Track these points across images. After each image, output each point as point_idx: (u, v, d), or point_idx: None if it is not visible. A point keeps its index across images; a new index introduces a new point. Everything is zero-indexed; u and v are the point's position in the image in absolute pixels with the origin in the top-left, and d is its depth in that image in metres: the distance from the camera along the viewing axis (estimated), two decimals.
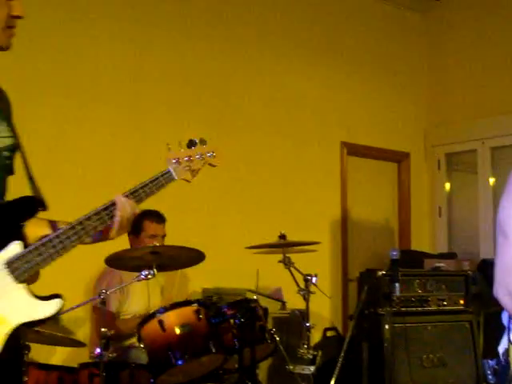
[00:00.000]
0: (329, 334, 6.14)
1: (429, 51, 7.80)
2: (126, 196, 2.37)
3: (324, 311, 6.45)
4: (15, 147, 2.23)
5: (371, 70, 7.25)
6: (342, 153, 6.96)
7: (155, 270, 3.84)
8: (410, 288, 5.48)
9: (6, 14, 2.10)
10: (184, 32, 5.88)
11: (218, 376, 4.03)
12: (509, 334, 2.27)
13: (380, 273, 4.96)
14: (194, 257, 4.14)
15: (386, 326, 4.83)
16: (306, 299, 4.74)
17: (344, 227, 6.92)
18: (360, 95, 7.16)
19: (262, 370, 5.48)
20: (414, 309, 5.46)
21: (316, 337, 5.97)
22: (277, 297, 5.46)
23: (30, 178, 2.26)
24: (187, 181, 2.62)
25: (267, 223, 5.82)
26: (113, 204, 2.32)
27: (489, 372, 2.30)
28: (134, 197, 2.39)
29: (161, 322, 3.75)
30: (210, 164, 2.69)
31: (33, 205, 2.22)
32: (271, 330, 4.23)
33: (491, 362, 2.30)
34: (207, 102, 5.96)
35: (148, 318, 3.86)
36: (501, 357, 2.27)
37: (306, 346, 4.63)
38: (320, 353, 4.83)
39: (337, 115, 6.91)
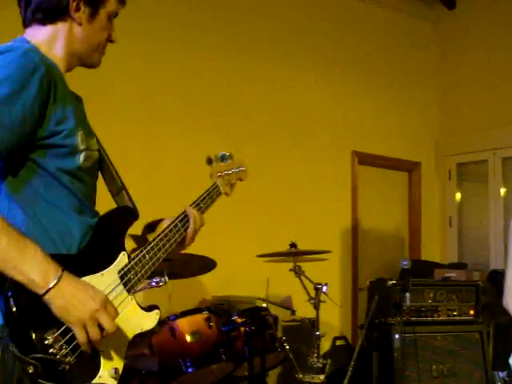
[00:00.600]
0: (338, 342, 6.15)
1: (440, 60, 7.81)
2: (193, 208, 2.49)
3: (334, 320, 6.46)
4: (101, 160, 2.27)
5: (382, 80, 7.27)
6: (353, 162, 6.97)
7: (166, 277, 3.85)
8: (420, 298, 5.48)
9: (106, 38, 2.22)
10: (195, 43, 5.90)
11: None
12: None
13: (390, 282, 4.95)
14: (205, 264, 4.16)
15: (396, 336, 4.84)
16: (316, 308, 4.75)
17: (354, 236, 6.92)
18: (371, 105, 7.17)
19: (272, 378, 5.49)
20: (424, 319, 5.46)
21: (326, 346, 5.98)
22: (286, 305, 5.46)
23: (124, 188, 2.31)
24: (227, 195, 2.78)
25: (278, 232, 5.83)
26: (186, 216, 2.44)
27: (499, 383, 2.31)
28: (199, 209, 2.53)
29: (172, 330, 3.76)
30: (239, 178, 2.86)
31: (130, 214, 2.26)
32: (281, 338, 4.23)
33: (502, 374, 2.31)
34: (219, 113, 5.98)
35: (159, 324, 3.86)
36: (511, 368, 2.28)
37: (315, 355, 4.63)
38: (330, 361, 4.83)
39: (348, 125, 6.93)
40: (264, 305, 4.36)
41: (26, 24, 2.16)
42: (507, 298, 2.19)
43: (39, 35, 2.12)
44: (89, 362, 1.88)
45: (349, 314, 6.78)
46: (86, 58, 2.21)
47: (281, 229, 5.97)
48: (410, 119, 7.51)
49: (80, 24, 2.14)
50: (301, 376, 4.54)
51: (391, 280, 5.02)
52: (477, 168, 7.65)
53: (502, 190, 7.26)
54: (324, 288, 4.72)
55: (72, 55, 2.17)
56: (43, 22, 2.13)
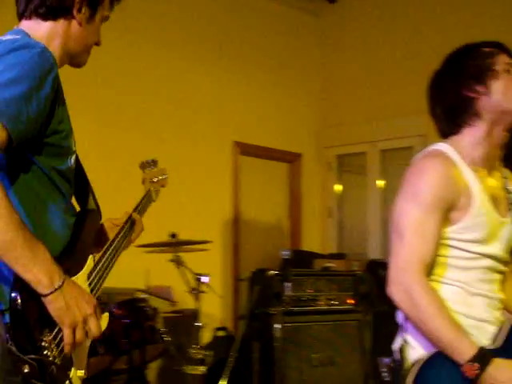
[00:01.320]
0: (219, 333, 6.11)
1: (322, 53, 7.89)
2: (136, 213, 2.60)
3: (215, 311, 6.41)
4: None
5: (265, 71, 7.27)
6: (235, 152, 6.94)
7: None
8: (300, 288, 5.50)
9: (96, 40, 2.27)
10: None
11: (106, 377, 3.93)
12: (404, 333, 2.29)
13: (271, 272, 4.95)
14: None
15: (277, 326, 4.83)
16: (197, 299, 4.70)
17: (236, 227, 6.90)
18: (253, 95, 7.16)
19: (153, 371, 5.39)
20: (304, 308, 5.47)
21: (206, 337, 5.93)
22: (167, 296, 5.39)
23: (91, 190, 2.34)
24: (154, 201, 2.92)
25: (158, 222, 5.68)
26: (132, 221, 2.57)
27: (383, 369, 2.31)
28: (138, 213, 2.68)
29: None
30: (162, 185, 2.99)
31: (99, 216, 2.34)
32: (161, 330, 4.16)
33: (386, 360, 2.32)
34: (98, 99, 5.81)
35: None
36: (395, 355, 2.29)
37: (196, 346, 4.58)
38: (211, 353, 4.79)
39: (230, 115, 6.89)
40: (143, 296, 4.27)
41: (24, 16, 2.16)
42: (391, 287, 2.19)
43: (39, 30, 2.13)
44: (67, 364, 1.92)
45: (230, 305, 6.75)
46: (77, 58, 2.24)
47: (161, 219, 5.83)
48: (291, 111, 7.55)
49: (80, 24, 2.17)
50: (182, 368, 4.48)
51: (272, 270, 5.02)
52: (356, 160, 7.78)
53: (380, 182, 7.41)
54: (205, 278, 4.67)
55: (66, 54, 2.19)
56: (45, 17, 2.14)
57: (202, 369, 4.53)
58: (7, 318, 1.81)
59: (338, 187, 7.82)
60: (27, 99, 1.88)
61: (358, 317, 5.72)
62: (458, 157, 2.30)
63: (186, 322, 5.01)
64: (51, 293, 1.82)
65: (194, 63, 6.60)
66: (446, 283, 2.27)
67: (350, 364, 5.57)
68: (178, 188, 6.30)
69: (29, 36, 2.08)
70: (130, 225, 2.55)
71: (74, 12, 2.15)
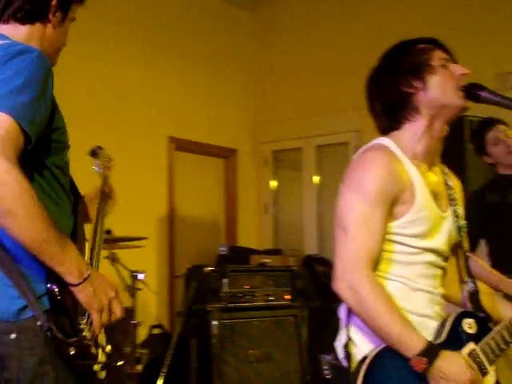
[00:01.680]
0: (155, 331, 6.04)
1: (257, 48, 7.87)
2: None
3: (150, 308, 6.34)
4: None
5: (200, 65, 7.21)
6: (170, 148, 6.87)
7: None
8: (237, 284, 5.48)
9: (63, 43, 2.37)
10: None
11: None
12: (347, 330, 2.27)
13: (208, 269, 4.92)
14: None
15: (214, 322, 4.81)
16: (133, 296, 4.63)
17: (171, 223, 6.83)
18: (188, 90, 7.10)
19: None
20: (241, 304, 5.45)
21: (142, 335, 5.86)
22: None
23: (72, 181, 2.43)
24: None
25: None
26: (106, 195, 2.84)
27: (325, 367, 2.29)
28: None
29: None
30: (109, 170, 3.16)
31: (84, 202, 2.55)
32: None
33: (328, 357, 2.29)
34: None
35: None
36: (338, 352, 2.27)
37: (132, 344, 4.52)
38: (147, 351, 4.73)
39: (164, 110, 6.81)
40: None
41: (1, 20, 2.23)
42: (338, 284, 2.16)
43: (18, 34, 2.21)
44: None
45: (165, 302, 6.68)
46: (50, 59, 2.23)
47: None
48: (227, 106, 7.51)
49: (54, 27, 2.27)
50: (117, 366, 4.41)
51: (208, 266, 4.99)
52: (292, 155, 7.79)
53: (316, 178, 7.43)
54: (141, 276, 4.61)
55: None
56: (23, 21, 2.23)
57: (138, 367, 4.47)
58: (47, 302, 2.00)
59: (274, 183, 7.81)
60: (38, 103, 2.01)
61: (294, 312, 5.73)
62: (400, 152, 2.30)
63: (121, 319, 4.93)
64: (81, 283, 2.00)
65: (127, 58, 6.50)
66: (390, 279, 2.25)
67: (288, 360, 5.57)
68: (112, 184, 6.22)
69: (8, 39, 2.16)
70: (104, 200, 2.78)
71: (50, 15, 2.25)
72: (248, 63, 7.83)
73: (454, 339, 2.23)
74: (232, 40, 7.67)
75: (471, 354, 2.22)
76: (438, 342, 2.21)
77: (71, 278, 2.00)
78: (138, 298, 4.83)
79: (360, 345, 2.23)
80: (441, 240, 2.33)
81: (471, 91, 2.26)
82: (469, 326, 2.27)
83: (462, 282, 2.51)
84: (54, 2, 2.25)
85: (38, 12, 2.23)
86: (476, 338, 2.27)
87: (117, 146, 6.26)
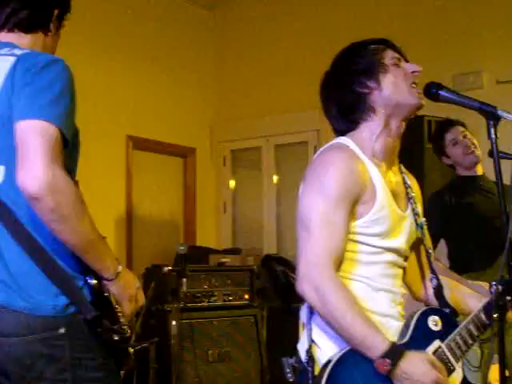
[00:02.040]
0: None
1: (216, 47, 7.84)
2: None
3: None
4: None
5: (159, 63, 7.15)
6: (128, 147, 6.80)
7: None
8: (196, 284, 5.45)
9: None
10: None
11: None
12: (310, 333, 2.25)
13: (166, 268, 4.87)
14: None
15: (173, 323, 4.77)
16: None
17: (129, 222, 6.77)
18: (147, 89, 7.03)
19: None
20: (200, 304, 5.42)
21: None
22: None
23: None
24: None
25: None
26: None
27: (288, 370, 2.26)
28: None
29: None
30: None
31: None
32: None
33: (290, 360, 2.27)
34: None
35: None
36: (301, 355, 2.25)
37: None
38: None
39: (122, 108, 6.74)
40: None
41: (5, 29, 2.31)
42: (302, 285, 2.14)
43: (25, 43, 2.30)
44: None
45: None
46: None
47: None
48: (185, 105, 7.47)
49: (52, 35, 2.41)
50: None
51: (167, 266, 4.95)
52: (251, 155, 7.77)
53: (275, 178, 7.43)
54: None
55: None
56: (27, 30, 2.33)
57: None
58: (88, 295, 2.16)
59: (233, 182, 7.79)
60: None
61: (253, 312, 5.72)
62: (360, 151, 2.29)
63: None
64: (116, 276, 2.20)
65: (84, 55, 6.40)
66: (352, 279, 2.24)
67: (247, 359, 5.56)
68: None
69: (18, 47, 2.26)
70: None
71: (51, 25, 2.39)
72: (207, 62, 7.79)
73: (420, 338, 2.21)
74: (191, 38, 7.62)
75: (437, 352, 2.21)
76: (404, 341, 2.19)
77: (108, 274, 2.18)
78: None
79: (323, 348, 2.20)
80: (401, 240, 2.33)
81: (431, 90, 2.27)
82: (434, 323, 2.27)
83: (424, 278, 2.52)
84: (55, 12, 2.40)
85: (42, 21, 2.35)
86: (442, 334, 2.26)
87: None
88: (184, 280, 4.54)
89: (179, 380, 4.87)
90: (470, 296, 2.50)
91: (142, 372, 4.92)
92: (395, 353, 2.07)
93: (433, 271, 2.45)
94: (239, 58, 7.70)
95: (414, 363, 2.08)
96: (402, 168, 2.49)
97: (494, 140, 2.17)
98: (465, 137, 4.18)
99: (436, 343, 2.23)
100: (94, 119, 6.42)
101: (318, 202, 2.18)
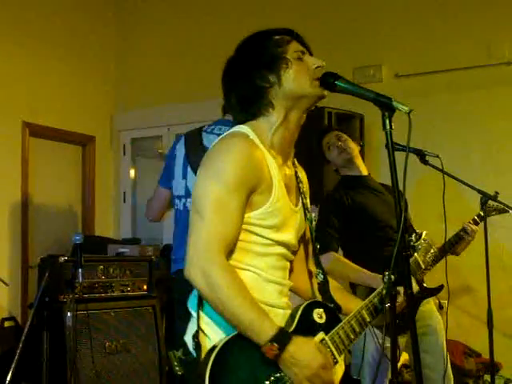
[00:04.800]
0: (7, 324, 5.82)
1: (117, 35, 7.72)
2: None
3: (2, 300, 6.10)
4: None
5: (58, 49, 6.98)
6: (24, 133, 6.61)
7: None
8: (93, 274, 5.34)
9: None
10: None
11: None
12: (198, 322, 2.21)
13: (62, 258, 4.76)
14: None
15: (69, 314, 4.66)
16: None
17: (24, 211, 6.58)
18: (45, 74, 6.86)
19: None
20: (97, 295, 5.32)
21: None
22: None
23: None
24: None
25: None
26: None
27: (175, 363, 2.22)
28: None
29: None
30: None
31: None
32: None
33: (177, 353, 2.23)
34: None
35: None
36: (189, 346, 2.21)
37: None
38: None
39: (19, 93, 6.55)
40: None
41: None
42: (189, 269, 2.10)
43: None
44: None
45: (18, 294, 6.43)
46: None
47: None
48: (85, 92, 7.32)
49: None
50: None
51: (63, 256, 4.84)
52: (151, 144, 7.70)
53: None
54: None
55: None
56: None
57: None
58: None
59: (133, 171, 7.70)
60: None
61: (152, 303, 5.65)
62: (259, 141, 2.26)
63: None
64: None
65: None
66: (244, 268, 2.22)
67: (145, 351, 5.48)
68: None
69: None
70: None
71: None
72: (107, 49, 7.66)
73: (305, 329, 2.23)
74: (91, 23, 7.47)
75: (321, 343, 2.23)
76: (289, 331, 2.19)
77: None
78: None
79: (211, 335, 2.18)
80: (291, 234, 2.34)
81: (327, 80, 2.27)
82: (319, 315, 2.29)
83: (310, 273, 2.55)
84: None
85: None
86: (325, 327, 2.28)
87: None
88: (80, 270, 4.43)
89: (74, 372, 4.76)
90: (350, 298, 2.56)
91: (35, 365, 4.81)
92: (283, 337, 2.07)
93: (319, 266, 2.47)
94: (141, 44, 7.61)
95: (302, 348, 2.09)
96: (295, 162, 2.49)
97: (388, 131, 2.18)
98: (339, 139, 4.22)
99: (320, 335, 2.25)
100: None
101: (213, 187, 2.15)
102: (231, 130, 2.30)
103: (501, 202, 4.38)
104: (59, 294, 4.97)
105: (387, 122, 2.18)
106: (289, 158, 2.40)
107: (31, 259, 6.48)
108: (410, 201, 4.20)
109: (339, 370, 2.27)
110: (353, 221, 4.02)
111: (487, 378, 5.40)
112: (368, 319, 2.37)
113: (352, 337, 2.32)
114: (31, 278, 6.37)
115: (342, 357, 2.28)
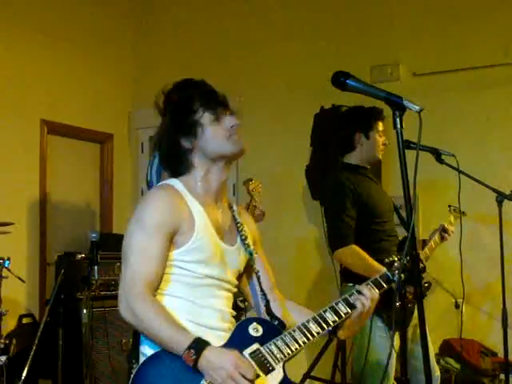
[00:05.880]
0: (25, 320, 5.87)
1: (135, 32, 7.73)
2: None
3: (19, 297, 6.14)
4: None
5: (76, 47, 7.01)
6: (42, 131, 6.65)
7: None
8: (109, 271, 5.38)
9: None
10: None
11: None
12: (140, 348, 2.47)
13: (78, 256, 4.80)
14: None
15: (84, 311, 4.69)
16: None
17: (43, 209, 6.63)
18: (63, 72, 6.89)
19: None
20: (112, 292, 5.35)
21: (11, 324, 5.68)
22: None
23: None
24: None
25: None
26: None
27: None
28: None
29: None
30: None
31: None
32: None
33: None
34: None
35: None
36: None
37: None
38: (14, 341, 4.59)
39: (37, 91, 6.58)
40: None
41: None
42: (120, 306, 2.37)
43: None
44: None
45: (36, 291, 6.48)
46: None
47: None
48: (103, 90, 7.35)
49: None
50: None
51: (80, 254, 4.87)
52: None
53: None
54: (6, 263, 4.46)
55: None
56: None
57: (2, 358, 4.32)
58: None
59: None
60: None
61: None
62: (186, 190, 2.50)
63: None
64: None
65: None
66: (178, 297, 2.44)
67: None
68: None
69: None
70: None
71: None
72: (126, 46, 7.68)
73: (238, 341, 2.40)
74: (110, 21, 7.50)
75: (254, 353, 2.39)
76: (221, 344, 2.37)
77: None
78: (5, 286, 4.67)
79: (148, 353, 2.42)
80: (223, 269, 2.54)
81: (338, 79, 2.28)
82: (254, 329, 2.46)
83: (257, 297, 2.71)
84: None
85: None
86: (262, 340, 2.44)
87: None
88: (96, 268, 4.46)
89: (91, 369, 4.80)
90: (301, 313, 2.67)
91: (51, 361, 4.85)
92: (199, 345, 2.26)
93: (262, 290, 2.66)
94: (159, 43, 7.63)
95: (216, 352, 2.28)
96: (234, 205, 2.70)
97: (399, 130, 2.19)
98: (383, 135, 4.19)
99: (254, 346, 2.42)
100: (7, 102, 6.28)
101: (136, 233, 2.41)
102: (159, 183, 2.58)
103: None
104: (76, 291, 5.01)
105: (398, 120, 2.19)
106: (221, 201, 2.61)
107: (49, 257, 6.52)
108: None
109: (275, 377, 2.39)
110: (365, 212, 4.01)
111: (503, 377, 5.38)
112: (316, 330, 2.49)
113: (294, 347, 2.43)
114: (49, 275, 6.42)
115: (281, 364, 2.40)
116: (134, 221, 2.44)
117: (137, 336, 2.47)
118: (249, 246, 2.64)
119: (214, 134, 2.52)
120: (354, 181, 4.04)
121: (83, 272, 4.81)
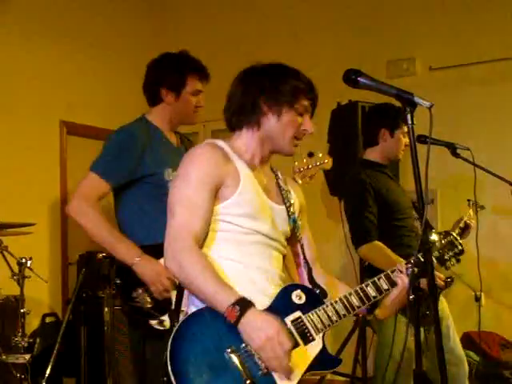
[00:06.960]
0: (48, 319, 5.93)
1: (155, 32, 7.76)
2: None
3: (42, 296, 6.21)
4: None
5: (94, 47, 7.05)
6: (62, 132, 6.72)
7: None
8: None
9: None
10: None
11: None
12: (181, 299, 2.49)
13: (100, 255, 4.84)
14: None
15: (106, 309, 4.74)
16: (20, 284, 4.53)
17: (64, 209, 6.67)
18: (82, 72, 6.94)
19: None
20: None
21: (35, 323, 5.75)
22: None
23: None
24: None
25: None
26: None
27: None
28: None
29: None
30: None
31: None
32: None
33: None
34: None
35: None
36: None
37: (20, 334, 4.42)
38: (38, 340, 4.63)
39: (56, 92, 6.63)
40: None
41: None
42: (165, 259, 2.36)
43: None
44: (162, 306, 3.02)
45: (59, 290, 6.55)
46: None
47: None
48: (122, 90, 7.37)
49: None
50: (3, 357, 4.30)
51: (101, 253, 4.92)
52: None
53: None
54: (28, 263, 4.51)
55: None
56: None
57: (26, 357, 4.37)
58: None
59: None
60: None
61: None
62: (230, 150, 2.50)
63: (9, 309, 4.83)
64: (133, 264, 3.29)
65: (17, 37, 6.31)
66: (224, 257, 2.42)
67: None
68: (1, 169, 6.04)
69: None
70: None
71: None
72: (143, 47, 7.70)
73: (280, 307, 2.39)
74: (130, 21, 7.55)
75: (296, 321, 2.38)
76: (263, 308, 2.34)
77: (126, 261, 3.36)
78: (29, 285, 4.72)
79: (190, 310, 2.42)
80: (268, 225, 2.50)
81: (350, 76, 2.30)
82: (298, 296, 2.44)
83: (299, 266, 2.70)
84: None
85: None
86: (304, 308, 2.43)
87: (7, 129, 6.13)
88: (115, 267, 4.49)
89: (112, 369, 4.84)
90: (340, 284, 2.70)
91: (74, 359, 4.91)
92: (244, 303, 2.24)
93: (305, 258, 2.65)
94: (177, 42, 7.58)
95: (260, 315, 2.26)
96: (278, 173, 2.71)
97: (410, 126, 2.21)
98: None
99: (297, 314, 2.41)
100: (27, 103, 6.35)
101: (181, 188, 2.42)
102: (204, 141, 2.56)
103: None
104: (98, 289, 5.06)
105: (409, 117, 2.21)
106: (264, 164, 2.62)
107: (71, 256, 6.58)
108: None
109: (315, 347, 2.40)
110: (385, 210, 4.03)
111: None
112: (357, 304, 2.49)
113: (334, 318, 2.44)
114: (71, 275, 6.48)
115: (321, 335, 2.41)
116: (180, 176, 2.45)
117: (179, 297, 2.47)
118: (293, 213, 2.63)
119: (288, 122, 2.53)
120: (374, 177, 4.06)
121: (104, 271, 4.85)
